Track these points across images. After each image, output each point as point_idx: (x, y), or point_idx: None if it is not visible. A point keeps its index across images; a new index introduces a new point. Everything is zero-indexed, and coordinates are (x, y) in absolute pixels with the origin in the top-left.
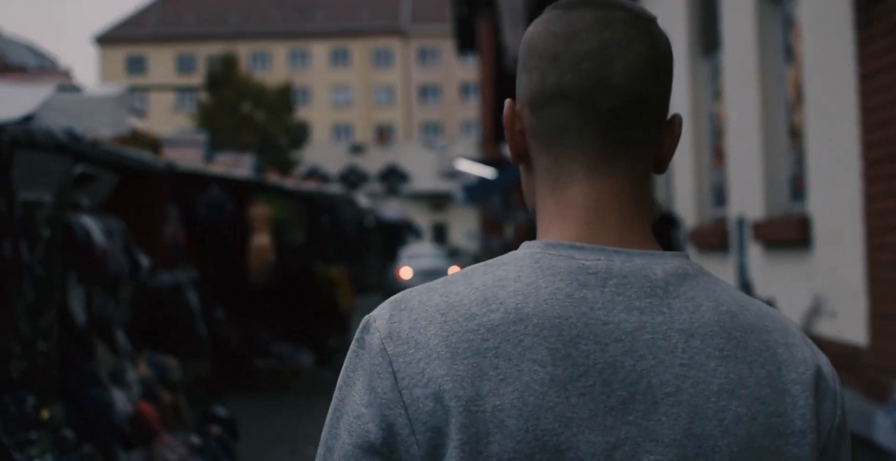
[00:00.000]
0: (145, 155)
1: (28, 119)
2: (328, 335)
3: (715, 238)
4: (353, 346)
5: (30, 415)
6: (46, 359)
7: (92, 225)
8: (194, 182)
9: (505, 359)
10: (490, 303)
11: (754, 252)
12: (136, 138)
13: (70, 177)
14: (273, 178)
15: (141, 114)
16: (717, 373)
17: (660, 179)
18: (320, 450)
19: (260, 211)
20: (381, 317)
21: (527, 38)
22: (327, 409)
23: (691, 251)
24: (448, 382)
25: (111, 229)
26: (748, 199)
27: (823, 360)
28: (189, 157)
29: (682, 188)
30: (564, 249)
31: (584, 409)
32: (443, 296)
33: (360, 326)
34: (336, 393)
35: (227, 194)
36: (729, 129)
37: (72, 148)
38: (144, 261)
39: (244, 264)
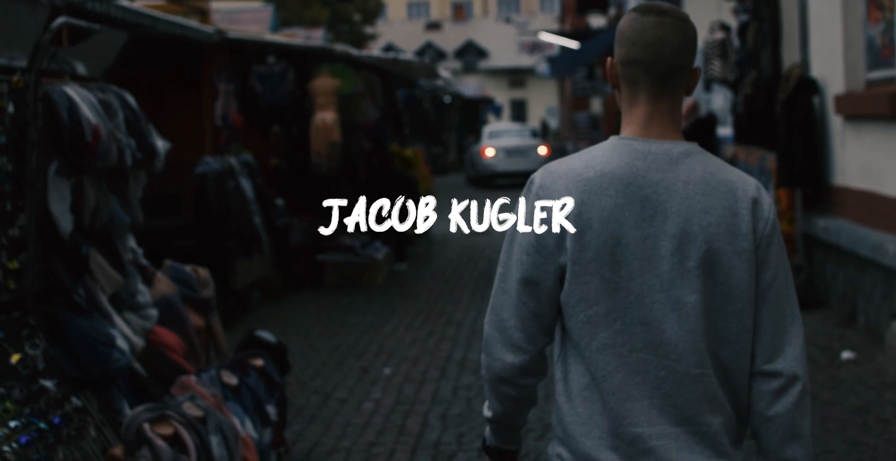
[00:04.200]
0: (189, 22)
1: None
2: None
3: (871, 105)
4: (523, 192)
5: None
6: (18, 281)
7: (81, 97)
8: (251, 55)
9: (594, 195)
10: (588, 168)
11: None
12: (179, 2)
13: (48, 33)
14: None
15: None
16: (700, 202)
17: (791, 41)
18: (503, 254)
19: (323, 84)
20: (537, 175)
21: (620, 29)
22: (405, 316)
23: (836, 121)
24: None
25: (110, 103)
26: None
27: (764, 199)
28: (253, 33)
29: (824, 48)
30: (628, 140)
31: (632, 219)
32: (567, 165)
33: (528, 182)
34: (510, 226)
35: (289, 68)
36: None
37: (93, 10)
38: (161, 144)
39: (306, 148)
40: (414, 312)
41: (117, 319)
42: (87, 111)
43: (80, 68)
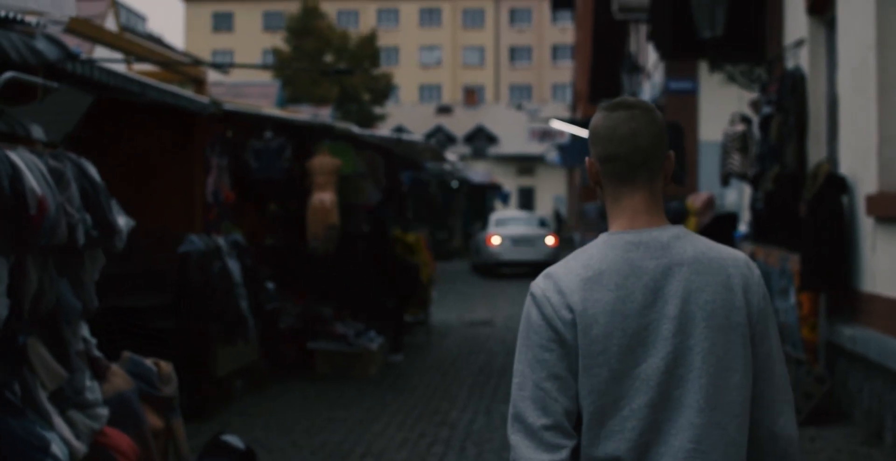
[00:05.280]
0: (183, 91)
1: None
2: (403, 312)
3: None
4: (528, 298)
5: None
6: None
7: (27, 164)
8: (248, 128)
9: (595, 291)
10: (586, 267)
11: None
12: (174, 70)
13: None
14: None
15: (224, 71)
16: (695, 281)
17: (818, 135)
18: (517, 365)
19: (323, 162)
20: (539, 280)
21: (592, 127)
22: (399, 411)
23: (867, 222)
24: (574, 304)
25: (63, 173)
26: None
27: (754, 276)
28: (252, 106)
29: (855, 144)
30: (619, 235)
31: (634, 309)
32: (565, 268)
33: (530, 289)
34: (521, 326)
35: (287, 143)
36: None
37: (74, 72)
38: (122, 222)
39: (303, 228)
40: (406, 409)
41: (57, 420)
42: (33, 181)
43: (37, 131)
